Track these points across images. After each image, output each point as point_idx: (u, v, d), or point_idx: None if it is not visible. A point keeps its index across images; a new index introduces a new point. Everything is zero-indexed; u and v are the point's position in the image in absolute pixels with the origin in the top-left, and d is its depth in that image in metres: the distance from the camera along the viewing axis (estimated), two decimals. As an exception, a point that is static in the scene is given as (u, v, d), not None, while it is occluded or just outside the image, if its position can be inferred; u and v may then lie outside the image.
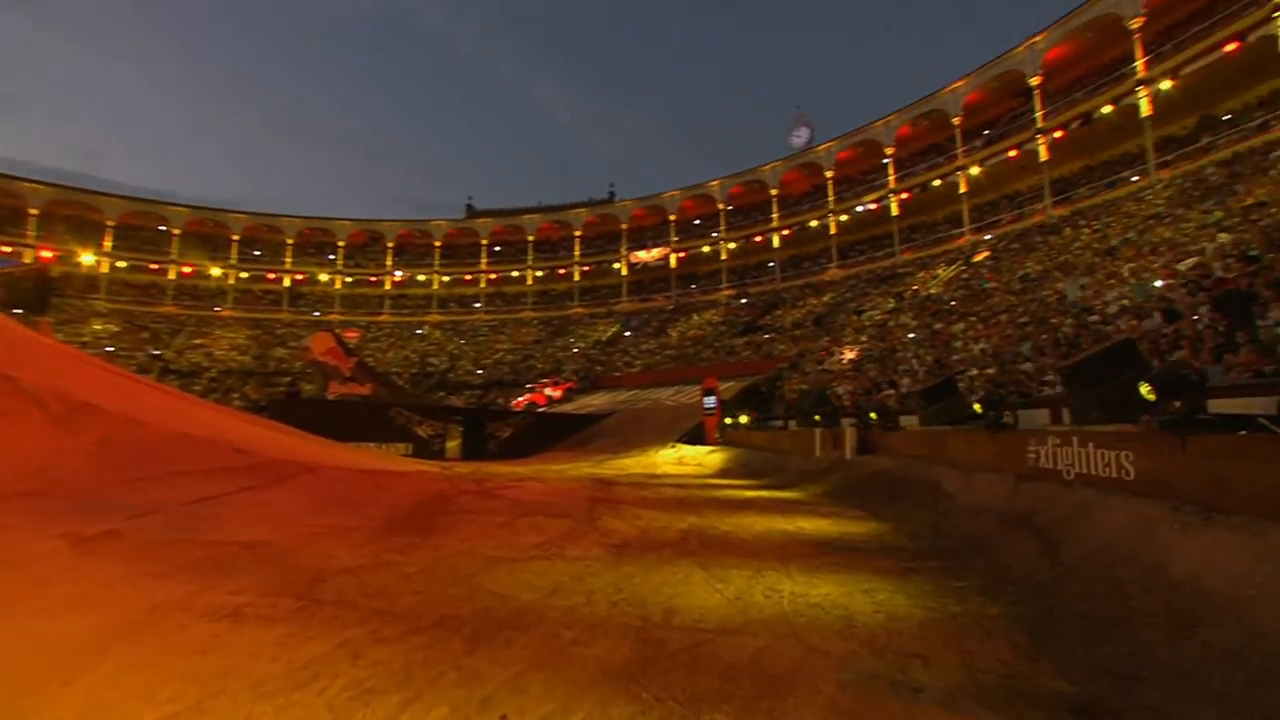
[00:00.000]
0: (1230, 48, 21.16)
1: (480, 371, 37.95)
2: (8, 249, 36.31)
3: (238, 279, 45.26)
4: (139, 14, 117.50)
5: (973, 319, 17.11)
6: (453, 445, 19.26)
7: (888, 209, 33.60)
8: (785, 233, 39.07)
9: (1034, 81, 26.89)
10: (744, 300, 38.90)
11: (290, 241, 46.26)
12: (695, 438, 18.92)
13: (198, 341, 38.84)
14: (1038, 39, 26.70)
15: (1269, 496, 3.38)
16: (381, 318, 46.82)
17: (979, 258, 26.13)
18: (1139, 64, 23.40)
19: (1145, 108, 23.07)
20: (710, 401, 19.05)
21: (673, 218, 43.49)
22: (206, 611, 2.89)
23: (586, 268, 46.97)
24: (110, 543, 3.65)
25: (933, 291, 24.91)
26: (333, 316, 44.73)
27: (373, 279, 48.39)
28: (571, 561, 4.70)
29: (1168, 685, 2.51)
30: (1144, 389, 4.13)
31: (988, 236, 28.40)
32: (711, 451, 16.97)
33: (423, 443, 18.48)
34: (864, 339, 23.09)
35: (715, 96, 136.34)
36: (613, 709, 2.30)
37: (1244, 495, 3.58)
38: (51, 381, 5.22)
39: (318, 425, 12.21)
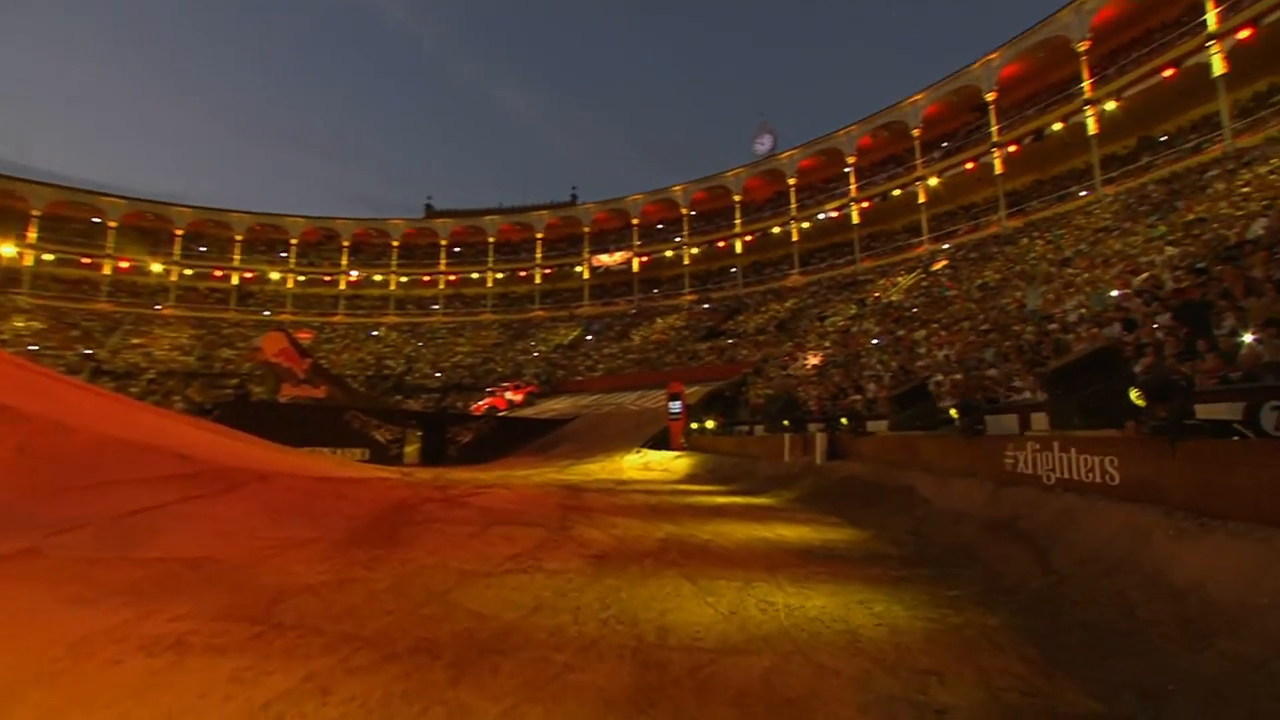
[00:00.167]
0: (1168, 73, 22.31)
1: (438, 375, 37.00)
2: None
3: (181, 276, 43.02)
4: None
5: (935, 325, 17.45)
6: (411, 450, 18.62)
7: (849, 217, 34.24)
8: (748, 238, 39.40)
9: (990, 97, 27.83)
10: (706, 305, 39.03)
11: (239, 238, 44.28)
12: (661, 443, 18.75)
13: (135, 341, 36.70)
14: (993, 56, 27.65)
15: (1268, 502, 3.37)
16: (336, 318, 45.26)
17: (937, 266, 26.81)
18: (1086, 85, 24.45)
19: (1092, 126, 24.10)
20: (676, 406, 18.93)
21: (635, 222, 43.42)
22: (144, 643, 2.51)
23: (548, 270, 46.42)
24: (28, 563, 3.19)
25: (894, 299, 25.42)
26: (284, 316, 42.96)
27: (327, 278, 46.74)
28: (551, 575, 4.41)
29: (1199, 703, 2.40)
30: (1134, 394, 4.11)
31: (946, 246, 29.20)
32: (678, 457, 16.81)
33: (380, 448, 17.79)
34: (827, 344, 23.36)
35: (679, 102, 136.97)
36: (624, 748, 2.05)
37: (1240, 500, 3.56)
38: (-36, 380, 4.65)
39: (269, 429, 11.55)
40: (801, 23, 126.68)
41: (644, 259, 43.50)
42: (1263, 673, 2.45)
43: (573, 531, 6.30)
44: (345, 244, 46.30)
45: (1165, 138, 23.97)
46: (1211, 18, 20.90)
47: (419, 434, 19.19)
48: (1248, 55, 20.49)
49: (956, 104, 30.35)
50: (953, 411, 7.35)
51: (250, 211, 45.14)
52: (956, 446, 7.47)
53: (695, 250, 41.74)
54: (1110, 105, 23.88)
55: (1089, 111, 24.23)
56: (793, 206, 37.13)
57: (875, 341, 19.70)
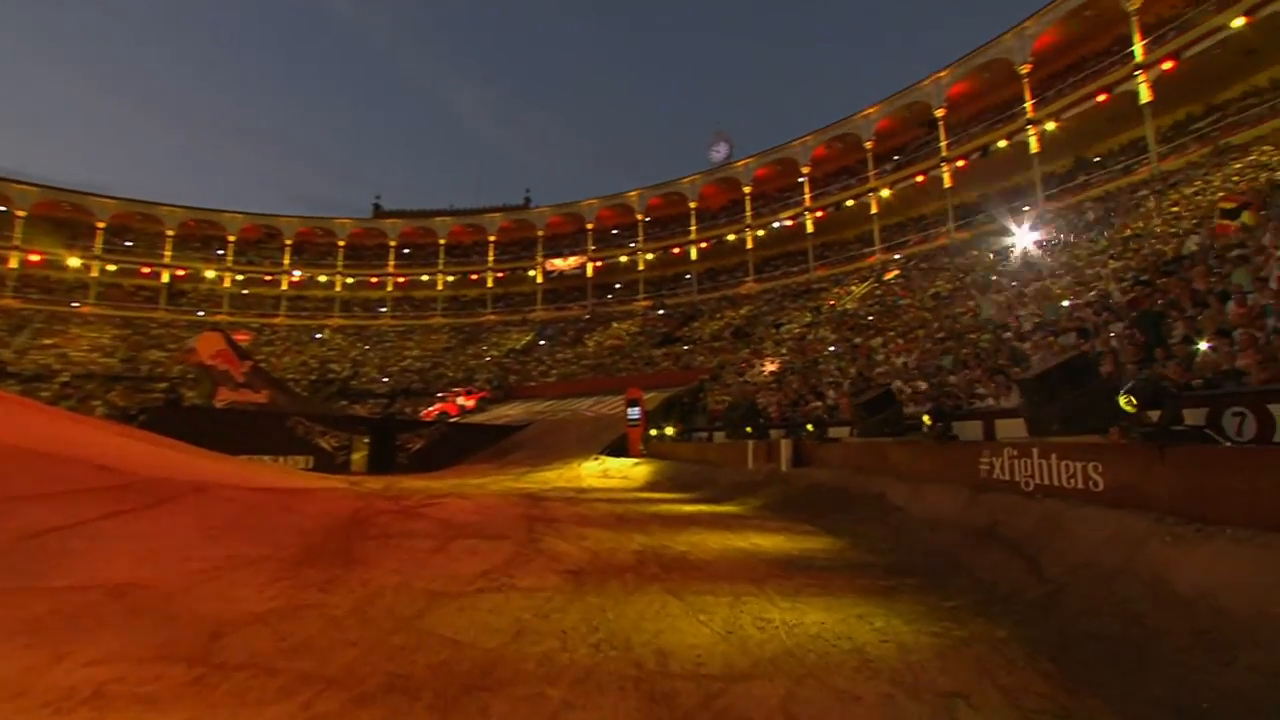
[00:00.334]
0: (1101, 98, 23.58)
1: (386, 379, 35.64)
2: None
3: (103, 271, 40.18)
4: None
5: (890, 333, 17.78)
6: (359, 458, 17.71)
7: (803, 226, 34.83)
8: (703, 245, 39.62)
9: (939, 113, 28.81)
10: (660, 311, 38.98)
11: (171, 233, 41.66)
12: (619, 450, 18.42)
13: (48, 341, 34.01)
14: (942, 74, 28.65)
15: (1267, 507, 3.34)
16: (277, 320, 43.13)
17: (890, 276, 27.50)
18: (1028, 105, 25.58)
19: (1034, 145, 25.21)
20: (634, 413, 18.64)
21: (590, 226, 43.08)
22: (55, 695, 2.07)
23: (500, 274, 45.55)
24: (-92, 596, 2.67)
25: (849, 307, 25.90)
26: (220, 317, 40.65)
27: (268, 278, 44.50)
28: (527, 594, 4.07)
29: (1245, 723, 2.29)
30: (1124, 400, 4.08)
31: (897, 256, 30.02)
32: (637, 464, 16.53)
33: (326, 455, 16.84)
34: (784, 351, 23.56)
35: (634, 105, 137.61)
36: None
37: (1237, 506, 3.54)
38: None
39: (204, 436, 10.68)
40: (759, 24, 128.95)
41: (598, 264, 43.18)
42: (1300, 688, 2.36)
43: (542, 544, 5.94)
44: (288, 243, 44.24)
45: (1098, 159, 25.33)
46: (1139, 49, 22.22)
47: (366, 441, 18.29)
48: (1171, 85, 21.87)
49: (908, 119, 31.30)
50: (925, 418, 7.34)
51: (183, 205, 42.59)
52: (928, 452, 7.47)
53: (650, 256, 41.69)
54: (1050, 125, 25.05)
55: (1031, 131, 25.35)
56: (748, 214, 37.54)
57: (832, 349, 19.94)
